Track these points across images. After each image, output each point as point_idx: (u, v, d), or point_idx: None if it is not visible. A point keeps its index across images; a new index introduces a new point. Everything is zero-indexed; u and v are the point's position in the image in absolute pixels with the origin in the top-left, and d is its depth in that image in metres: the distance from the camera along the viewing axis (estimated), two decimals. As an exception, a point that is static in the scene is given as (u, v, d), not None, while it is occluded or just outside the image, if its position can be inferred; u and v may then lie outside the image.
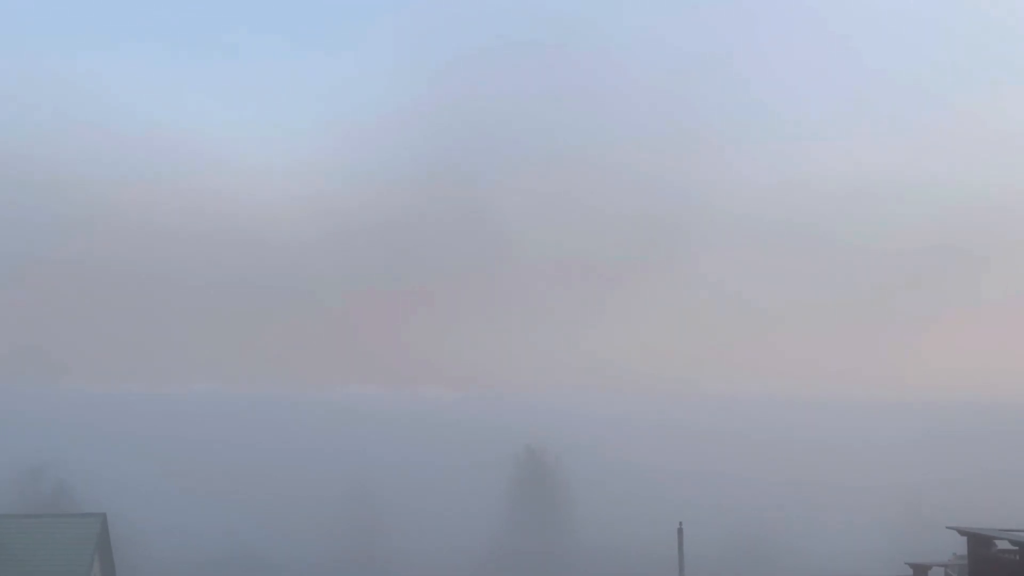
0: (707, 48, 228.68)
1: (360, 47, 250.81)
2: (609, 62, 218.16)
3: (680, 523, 43.04)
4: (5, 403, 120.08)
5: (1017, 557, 28.87)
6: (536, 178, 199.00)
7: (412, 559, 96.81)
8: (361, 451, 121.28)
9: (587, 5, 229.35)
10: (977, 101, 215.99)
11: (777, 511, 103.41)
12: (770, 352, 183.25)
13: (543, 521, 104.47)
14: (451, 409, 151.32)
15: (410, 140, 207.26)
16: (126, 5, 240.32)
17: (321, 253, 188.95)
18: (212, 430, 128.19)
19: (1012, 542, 29.35)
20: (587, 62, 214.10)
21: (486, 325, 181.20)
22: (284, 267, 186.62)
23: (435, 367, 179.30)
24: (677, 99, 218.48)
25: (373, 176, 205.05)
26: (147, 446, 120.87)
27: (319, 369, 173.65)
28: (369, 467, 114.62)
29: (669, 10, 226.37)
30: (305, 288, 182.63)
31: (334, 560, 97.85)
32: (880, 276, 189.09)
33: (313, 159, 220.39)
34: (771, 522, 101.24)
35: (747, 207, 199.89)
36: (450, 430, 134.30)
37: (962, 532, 31.73)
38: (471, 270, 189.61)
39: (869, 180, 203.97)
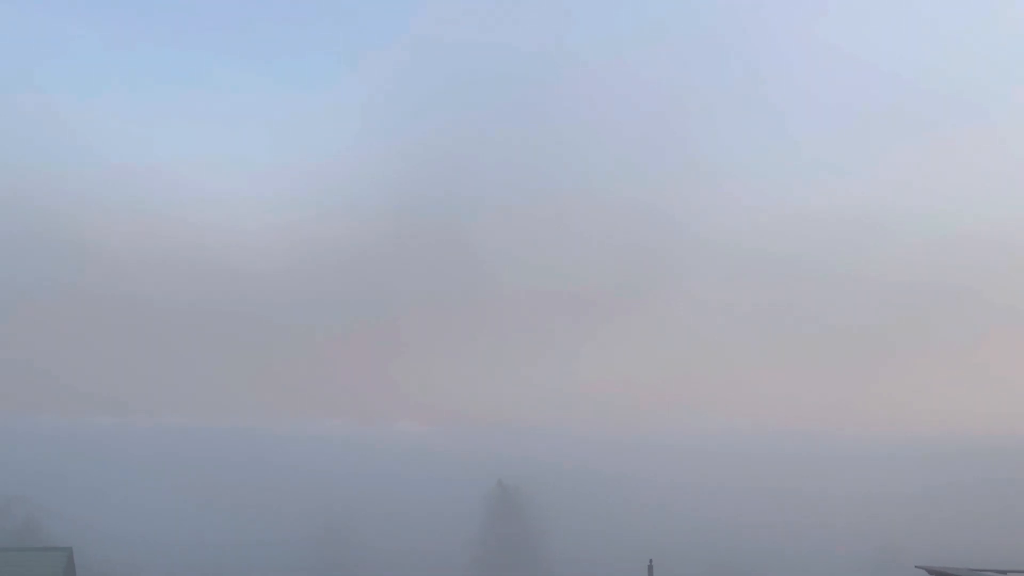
0: (693, 82, 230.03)
1: (339, 83, 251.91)
2: (591, 96, 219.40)
3: (651, 560, 42.87)
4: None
5: (985, 597, 29.00)
6: (511, 213, 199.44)
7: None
8: (333, 485, 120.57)
9: (570, 39, 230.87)
10: (967, 134, 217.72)
11: (749, 549, 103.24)
12: (744, 388, 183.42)
13: (514, 555, 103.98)
14: (423, 443, 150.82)
15: (386, 175, 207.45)
16: (105, 44, 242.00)
17: (294, 286, 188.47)
18: (182, 464, 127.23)
19: (980, 582, 29.47)
20: (569, 96, 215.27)
21: (459, 360, 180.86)
22: (257, 300, 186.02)
23: (408, 401, 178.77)
24: (662, 133, 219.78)
25: (347, 210, 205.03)
26: (116, 479, 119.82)
27: (291, 403, 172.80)
28: (341, 501, 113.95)
29: (654, 44, 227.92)
30: (278, 321, 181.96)
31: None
32: (864, 311, 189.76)
33: (288, 194, 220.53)
34: (743, 561, 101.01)
35: (724, 241, 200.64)
36: (422, 464, 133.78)
37: (931, 571, 31.82)
38: (444, 305, 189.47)
39: (856, 213, 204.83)
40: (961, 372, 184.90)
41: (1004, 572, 30.07)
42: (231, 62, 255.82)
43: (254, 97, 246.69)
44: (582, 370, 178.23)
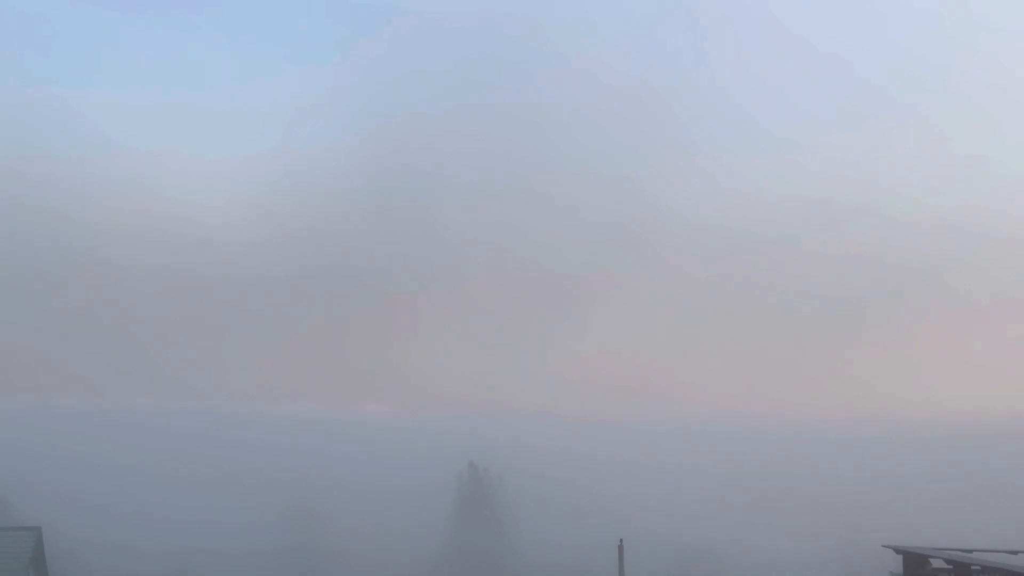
0: (670, 64, 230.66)
1: (317, 68, 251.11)
2: (571, 77, 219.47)
3: (621, 540, 42.91)
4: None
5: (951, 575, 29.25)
6: (486, 196, 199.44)
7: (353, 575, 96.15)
8: (304, 467, 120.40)
9: (549, 23, 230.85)
10: (942, 118, 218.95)
11: (718, 531, 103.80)
12: (713, 373, 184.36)
13: (485, 538, 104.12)
14: (394, 426, 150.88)
15: (362, 160, 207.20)
16: (89, 32, 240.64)
17: (266, 269, 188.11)
18: (150, 444, 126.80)
19: (946, 560, 29.71)
20: (548, 78, 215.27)
21: (431, 344, 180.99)
22: (228, 283, 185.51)
23: (379, 385, 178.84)
24: (637, 115, 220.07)
25: (322, 197, 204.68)
26: (84, 460, 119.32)
27: (262, 385, 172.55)
28: (312, 483, 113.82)
29: (629, 28, 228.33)
30: (249, 306, 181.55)
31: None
32: (834, 293, 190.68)
33: (264, 177, 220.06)
34: (711, 543, 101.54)
35: (698, 224, 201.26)
36: (394, 446, 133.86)
37: (898, 551, 32.03)
38: (417, 290, 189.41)
39: (829, 195, 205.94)
40: (931, 355, 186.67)
41: (970, 551, 30.33)
42: (212, 45, 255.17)
43: (239, 83, 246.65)
44: (554, 353, 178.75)
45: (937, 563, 30.77)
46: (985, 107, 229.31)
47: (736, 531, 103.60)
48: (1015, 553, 30.61)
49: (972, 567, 28.17)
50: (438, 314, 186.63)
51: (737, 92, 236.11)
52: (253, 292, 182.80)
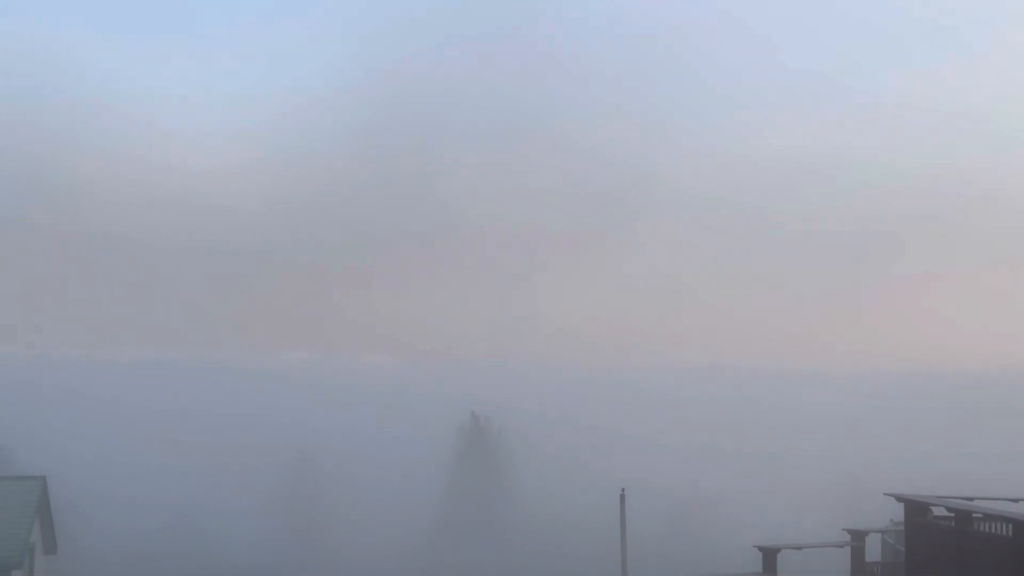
0: (655, 24, 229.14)
1: (308, 16, 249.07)
2: (561, 36, 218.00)
3: (623, 489, 43.08)
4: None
5: (952, 523, 29.33)
6: (483, 150, 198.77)
7: (354, 527, 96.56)
8: (304, 418, 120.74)
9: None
10: (915, 79, 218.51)
11: (717, 480, 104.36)
12: (710, 323, 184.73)
13: (487, 489, 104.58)
14: (395, 376, 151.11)
15: (357, 111, 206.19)
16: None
17: (263, 221, 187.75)
18: (151, 395, 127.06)
19: (948, 508, 29.78)
20: (540, 36, 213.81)
21: (431, 294, 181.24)
22: (225, 234, 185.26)
23: (379, 335, 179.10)
24: (628, 74, 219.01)
25: (318, 146, 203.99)
26: (85, 411, 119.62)
27: (260, 335, 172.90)
28: (312, 434, 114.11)
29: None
30: (247, 255, 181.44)
31: (275, 528, 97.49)
32: (821, 249, 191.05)
33: (257, 128, 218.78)
34: (711, 491, 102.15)
35: (689, 181, 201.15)
36: (394, 397, 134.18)
37: (899, 499, 32.11)
38: (416, 239, 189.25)
39: (809, 156, 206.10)
40: (924, 304, 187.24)
41: (971, 499, 30.37)
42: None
43: (232, 29, 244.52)
44: (556, 303, 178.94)
45: (938, 511, 30.88)
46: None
47: (736, 480, 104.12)
48: (1017, 501, 30.73)
49: (973, 515, 28.23)
50: (438, 263, 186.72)
51: (726, 54, 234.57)
52: (248, 243, 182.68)
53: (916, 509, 31.14)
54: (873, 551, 43.44)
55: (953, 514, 29.09)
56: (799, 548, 41.67)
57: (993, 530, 26.08)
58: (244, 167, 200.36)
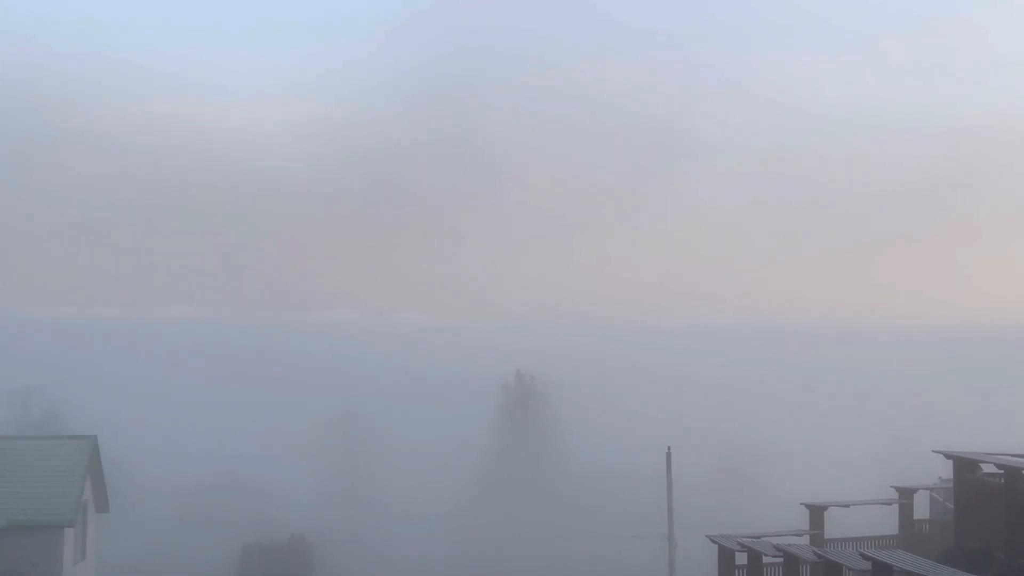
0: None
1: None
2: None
3: (669, 447, 43.17)
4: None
5: (1002, 480, 29.08)
6: (525, 98, 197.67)
7: (398, 485, 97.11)
8: (347, 376, 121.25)
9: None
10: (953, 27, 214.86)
11: (764, 437, 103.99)
12: (756, 280, 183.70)
13: (532, 446, 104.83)
14: (439, 335, 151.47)
15: (399, 59, 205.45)
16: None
17: (303, 178, 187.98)
18: (193, 356, 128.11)
19: (997, 466, 29.54)
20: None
21: (474, 252, 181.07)
22: (265, 193, 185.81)
23: (422, 292, 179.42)
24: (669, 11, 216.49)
25: (357, 99, 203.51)
26: (131, 372, 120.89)
27: (302, 293, 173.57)
28: (355, 392, 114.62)
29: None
30: (287, 213, 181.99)
31: (321, 485, 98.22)
32: (863, 203, 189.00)
33: (297, 83, 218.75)
34: (758, 448, 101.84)
35: (735, 126, 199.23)
36: (438, 356, 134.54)
37: (948, 456, 31.93)
38: (458, 196, 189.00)
39: (853, 102, 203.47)
40: (968, 259, 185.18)
41: (1021, 455, 30.10)
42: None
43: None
44: (602, 259, 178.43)
45: (988, 467, 30.65)
46: None
47: (784, 437, 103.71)
48: (1068, 457, 30.43)
49: (1023, 471, 27.99)
50: (482, 218, 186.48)
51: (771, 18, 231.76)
52: (289, 200, 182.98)
53: (965, 466, 30.91)
54: (921, 508, 43.25)
55: (1003, 471, 28.84)
56: (846, 505, 41.61)
57: (1044, 487, 25.84)
58: (281, 123, 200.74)
